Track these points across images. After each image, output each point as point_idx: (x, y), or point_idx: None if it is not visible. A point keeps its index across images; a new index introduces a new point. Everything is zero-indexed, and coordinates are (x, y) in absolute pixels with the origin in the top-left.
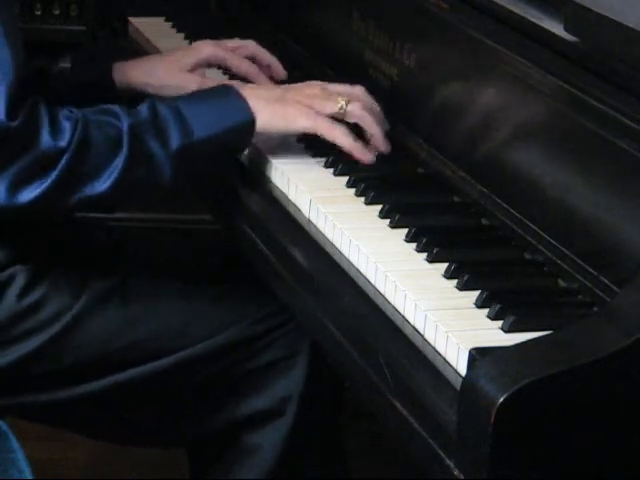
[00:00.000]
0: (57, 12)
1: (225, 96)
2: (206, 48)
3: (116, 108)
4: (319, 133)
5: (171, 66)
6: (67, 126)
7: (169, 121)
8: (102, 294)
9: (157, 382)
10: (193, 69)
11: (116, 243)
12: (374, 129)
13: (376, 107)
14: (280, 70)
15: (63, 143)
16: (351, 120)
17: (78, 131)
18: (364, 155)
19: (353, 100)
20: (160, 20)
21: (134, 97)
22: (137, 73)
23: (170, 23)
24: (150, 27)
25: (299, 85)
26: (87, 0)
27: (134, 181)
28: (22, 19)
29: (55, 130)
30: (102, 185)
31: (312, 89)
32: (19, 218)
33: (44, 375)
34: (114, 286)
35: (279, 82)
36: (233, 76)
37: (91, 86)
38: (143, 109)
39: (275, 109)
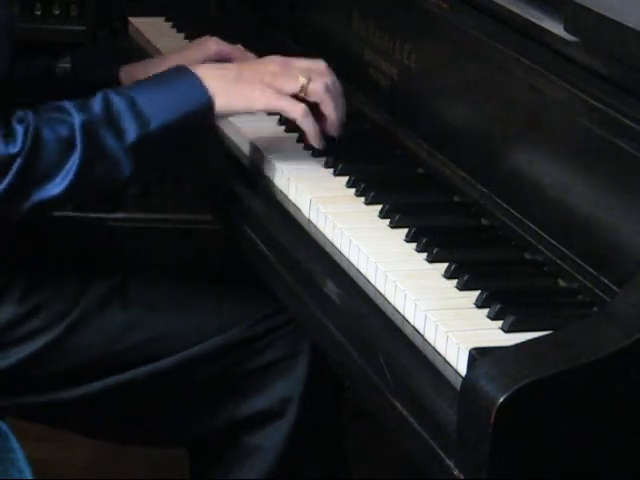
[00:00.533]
0: (57, 12)
1: (180, 79)
2: (213, 44)
3: (67, 104)
4: (279, 111)
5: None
6: (19, 131)
7: (123, 112)
8: (102, 296)
9: (158, 382)
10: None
11: (116, 243)
12: (331, 112)
13: (338, 85)
14: None
15: (15, 149)
16: (311, 99)
17: (30, 135)
18: (317, 141)
19: (315, 78)
20: (160, 20)
21: None
22: (144, 77)
23: (170, 23)
24: (150, 27)
25: (259, 61)
26: (87, 0)
27: (91, 179)
28: (22, 19)
29: (6, 135)
30: (56, 188)
31: (272, 65)
32: None
33: (45, 377)
34: (114, 287)
35: None
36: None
37: (97, 88)
38: (96, 102)
39: (234, 89)
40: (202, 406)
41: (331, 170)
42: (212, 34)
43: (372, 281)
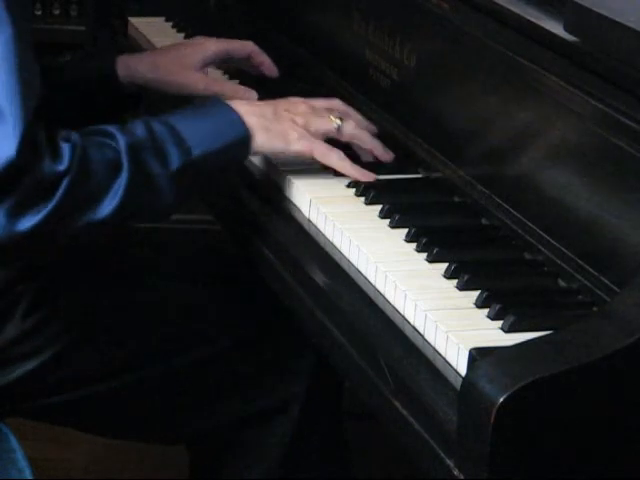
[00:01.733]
0: (57, 12)
1: (218, 111)
2: (211, 45)
3: (111, 128)
4: (315, 157)
5: (176, 63)
6: (66, 149)
7: (166, 139)
8: (105, 305)
9: (160, 382)
10: (200, 67)
11: (117, 244)
12: (371, 143)
13: (363, 119)
14: (275, 71)
15: (62, 167)
16: (345, 139)
17: (77, 154)
18: (365, 176)
19: (346, 118)
20: (160, 20)
21: (137, 92)
22: (141, 68)
23: (170, 23)
24: (150, 27)
25: (285, 102)
26: (87, 0)
27: (137, 203)
28: None
29: (54, 154)
30: (105, 209)
31: (300, 105)
32: (21, 248)
33: (48, 385)
34: (117, 293)
35: (269, 83)
36: (232, 77)
37: (94, 80)
38: (138, 127)
39: (273, 128)
40: (204, 403)
41: (331, 170)
42: (212, 34)
43: (372, 281)
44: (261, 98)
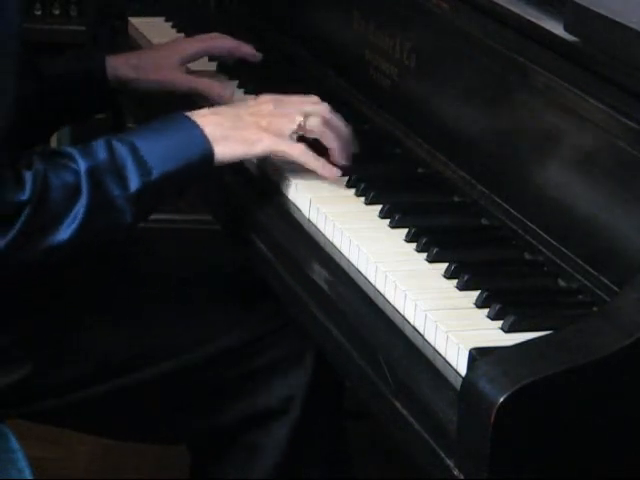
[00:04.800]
0: (57, 12)
1: (180, 128)
2: (190, 44)
3: (71, 150)
4: (279, 154)
5: (155, 63)
6: (28, 178)
7: (126, 160)
8: (103, 305)
9: (160, 383)
10: (179, 66)
11: (117, 244)
12: (331, 143)
13: (335, 116)
14: (253, 54)
15: (25, 197)
16: (311, 136)
17: (39, 182)
18: (328, 171)
19: (311, 114)
20: (160, 20)
21: (125, 91)
22: (126, 68)
23: (170, 23)
24: (150, 27)
25: (252, 103)
26: (87, 0)
27: (96, 226)
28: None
29: (17, 183)
30: (64, 234)
31: (267, 106)
32: None
33: (48, 386)
34: (116, 294)
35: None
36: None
37: (84, 78)
38: (99, 149)
39: (233, 135)
40: (204, 404)
41: None
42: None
43: (372, 281)
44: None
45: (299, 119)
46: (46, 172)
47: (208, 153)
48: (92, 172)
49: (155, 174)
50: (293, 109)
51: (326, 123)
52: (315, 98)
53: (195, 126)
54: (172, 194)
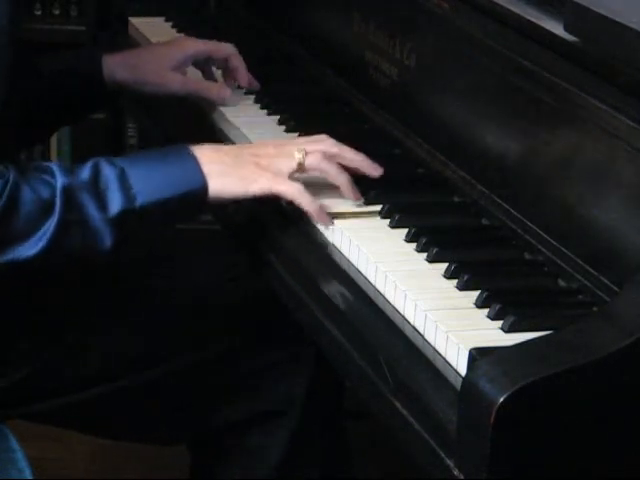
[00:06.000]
0: (57, 12)
1: (178, 160)
2: (190, 45)
3: (53, 166)
4: (276, 195)
5: (156, 64)
6: None
7: (110, 183)
8: (103, 306)
9: (160, 384)
10: (178, 67)
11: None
12: (335, 178)
13: (337, 148)
14: (245, 79)
15: None
16: (313, 173)
17: (7, 191)
18: (320, 216)
19: (310, 150)
20: (160, 20)
21: (118, 90)
22: (122, 69)
23: (170, 23)
24: (150, 27)
25: (254, 145)
26: (87, 0)
27: (67, 246)
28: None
29: None
30: (30, 250)
31: (269, 148)
32: None
33: (48, 387)
34: (116, 295)
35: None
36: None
37: (82, 79)
38: (85, 169)
39: (230, 173)
40: (204, 405)
41: None
42: (212, 34)
43: (372, 281)
44: (262, 102)
45: (298, 157)
46: (19, 184)
47: (201, 187)
48: (69, 190)
49: (140, 201)
50: (295, 148)
51: (326, 158)
52: (322, 136)
53: (193, 159)
54: (161, 223)
